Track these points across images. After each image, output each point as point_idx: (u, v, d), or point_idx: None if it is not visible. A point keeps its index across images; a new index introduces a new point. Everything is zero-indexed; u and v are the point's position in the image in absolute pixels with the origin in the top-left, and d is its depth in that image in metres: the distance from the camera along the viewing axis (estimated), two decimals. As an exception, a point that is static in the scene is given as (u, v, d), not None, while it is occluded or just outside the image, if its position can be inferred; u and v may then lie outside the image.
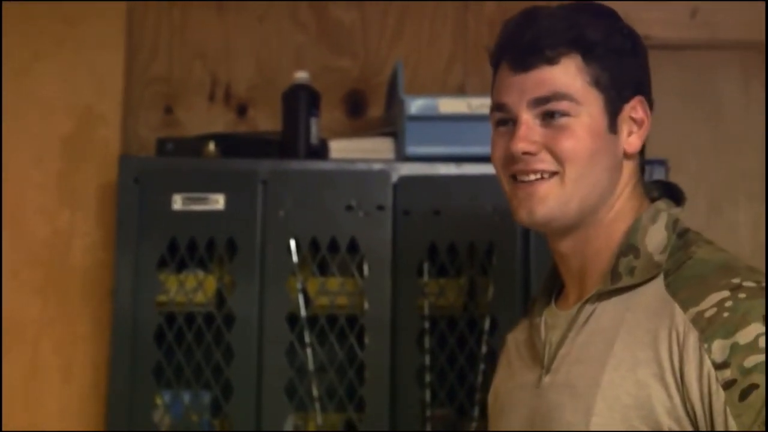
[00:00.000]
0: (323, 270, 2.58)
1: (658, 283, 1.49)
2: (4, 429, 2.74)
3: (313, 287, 2.57)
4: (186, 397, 2.58)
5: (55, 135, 2.90)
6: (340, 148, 2.71)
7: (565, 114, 1.52)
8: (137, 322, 2.55)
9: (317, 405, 2.55)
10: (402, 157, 2.61)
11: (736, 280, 1.43)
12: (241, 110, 3.08)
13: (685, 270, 1.48)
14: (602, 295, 1.54)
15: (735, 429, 1.35)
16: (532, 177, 1.53)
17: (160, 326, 2.56)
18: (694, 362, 1.39)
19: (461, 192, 2.55)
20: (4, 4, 2.91)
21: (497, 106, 1.58)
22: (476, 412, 2.50)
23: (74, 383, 2.80)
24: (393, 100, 2.76)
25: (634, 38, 1.59)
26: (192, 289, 2.59)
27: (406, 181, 2.56)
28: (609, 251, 1.56)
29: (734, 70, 3.11)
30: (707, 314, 1.40)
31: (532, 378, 1.59)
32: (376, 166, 2.60)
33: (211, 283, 2.59)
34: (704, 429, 1.38)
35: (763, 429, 1.33)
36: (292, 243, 2.54)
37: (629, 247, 1.53)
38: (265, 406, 2.51)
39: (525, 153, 1.52)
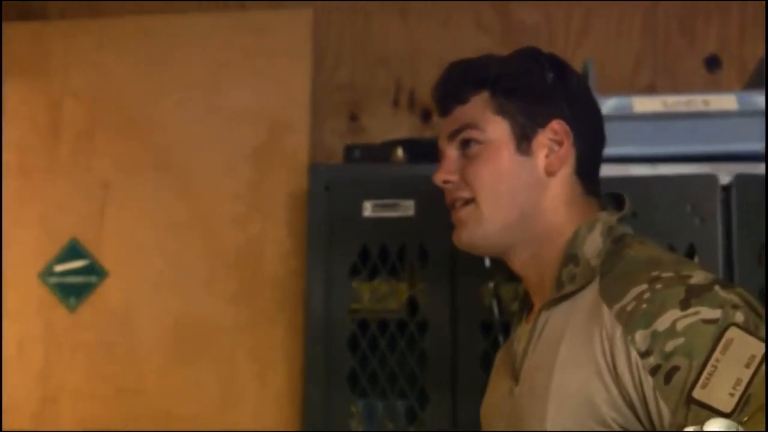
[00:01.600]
0: (515, 276, 2.53)
1: (594, 286, 1.58)
2: (203, 430, 2.79)
3: (508, 293, 2.53)
4: (380, 405, 2.58)
5: (246, 144, 2.94)
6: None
7: (475, 141, 1.67)
8: (331, 330, 2.56)
9: (512, 412, 2.51)
10: (594, 158, 2.54)
11: (655, 273, 1.51)
12: (426, 115, 3.07)
13: (615, 270, 1.57)
14: (550, 304, 1.63)
15: (665, 411, 1.42)
16: (457, 205, 1.69)
17: (354, 333, 2.56)
18: (623, 355, 1.47)
19: (659, 193, 2.47)
20: (195, 17, 2.97)
21: (439, 150, 1.74)
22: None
23: (269, 389, 2.84)
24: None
25: (558, 71, 1.71)
26: (384, 296, 2.58)
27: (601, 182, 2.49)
28: (557, 263, 1.65)
29: None
30: (628, 308, 1.49)
31: (507, 389, 1.68)
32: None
33: (403, 290, 2.58)
34: (642, 415, 1.46)
35: (687, 407, 1.40)
36: (484, 248, 2.51)
37: (570, 256, 1.63)
38: (461, 414, 2.48)
39: (445, 182, 1.69)
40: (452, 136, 1.70)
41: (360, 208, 2.58)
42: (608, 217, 1.67)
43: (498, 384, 1.77)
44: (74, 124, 3.08)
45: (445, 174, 1.69)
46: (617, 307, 1.51)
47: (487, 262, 2.51)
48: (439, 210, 2.50)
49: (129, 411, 2.91)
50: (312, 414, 2.55)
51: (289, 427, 2.79)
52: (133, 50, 3.07)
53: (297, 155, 2.91)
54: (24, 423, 2.96)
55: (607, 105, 2.53)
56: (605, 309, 1.52)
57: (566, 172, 1.69)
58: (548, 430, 1.53)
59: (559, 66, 1.73)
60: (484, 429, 1.80)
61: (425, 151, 2.72)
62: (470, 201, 1.66)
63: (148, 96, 3.03)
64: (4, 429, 2.94)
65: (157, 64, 3.04)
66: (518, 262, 1.71)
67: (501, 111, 1.67)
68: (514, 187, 1.66)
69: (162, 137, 3.01)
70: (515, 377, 1.66)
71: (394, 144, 2.73)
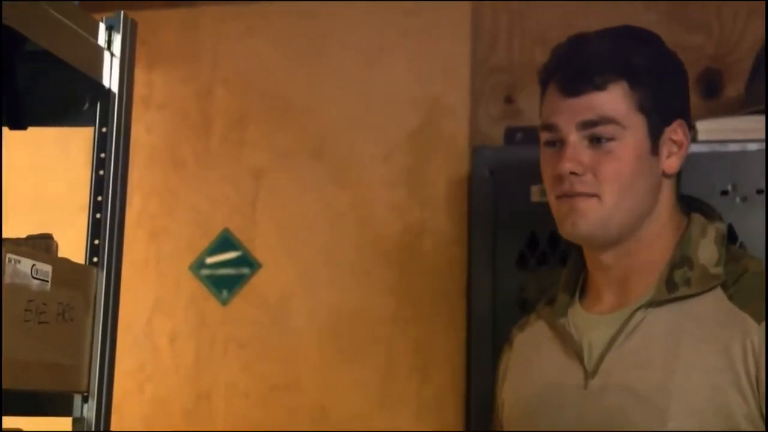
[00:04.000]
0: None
1: (717, 294, 1.59)
2: (362, 429, 2.68)
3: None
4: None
5: (403, 128, 2.83)
6: (707, 129, 2.48)
7: (611, 138, 1.62)
8: (497, 322, 2.43)
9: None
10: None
11: None
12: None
13: (745, 283, 1.59)
14: (657, 303, 1.61)
15: None
16: (576, 196, 1.63)
17: (522, 325, 2.42)
18: None
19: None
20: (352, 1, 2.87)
21: (546, 126, 1.68)
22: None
23: (430, 386, 2.72)
24: (758, 76, 2.51)
25: (676, 63, 1.70)
26: (554, 285, 2.43)
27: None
28: (656, 263, 1.65)
29: None
30: None
31: (573, 380, 1.65)
32: (752, 147, 2.36)
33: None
34: None
35: None
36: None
37: (683, 258, 1.63)
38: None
39: (571, 173, 1.62)
40: (585, 126, 1.63)
41: (527, 193, 2.44)
42: (719, 224, 1.69)
43: (543, 371, 1.73)
44: (225, 113, 3.00)
45: (575, 165, 1.63)
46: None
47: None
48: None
49: (284, 408, 2.81)
50: (477, 409, 2.46)
51: (453, 427, 2.66)
52: (285, 34, 2.97)
53: (456, 139, 2.78)
54: (176, 420, 2.88)
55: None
56: (751, 322, 1.53)
57: (675, 174, 1.70)
58: (670, 430, 1.53)
59: (676, 57, 1.72)
60: (517, 416, 1.77)
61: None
62: (593, 196, 1.62)
63: (301, 81, 2.93)
64: (155, 426, 2.87)
65: (311, 48, 2.94)
66: (610, 257, 1.68)
67: (641, 107, 1.63)
68: (641, 189, 1.64)
69: (316, 124, 2.91)
70: (587, 369, 1.64)
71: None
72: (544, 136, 1.69)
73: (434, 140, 2.80)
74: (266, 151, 2.94)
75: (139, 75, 3.01)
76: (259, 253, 2.91)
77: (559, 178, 1.64)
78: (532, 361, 1.78)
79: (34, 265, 1.39)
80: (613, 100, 1.62)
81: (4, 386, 1.34)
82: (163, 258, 2.98)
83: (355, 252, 2.79)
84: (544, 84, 1.72)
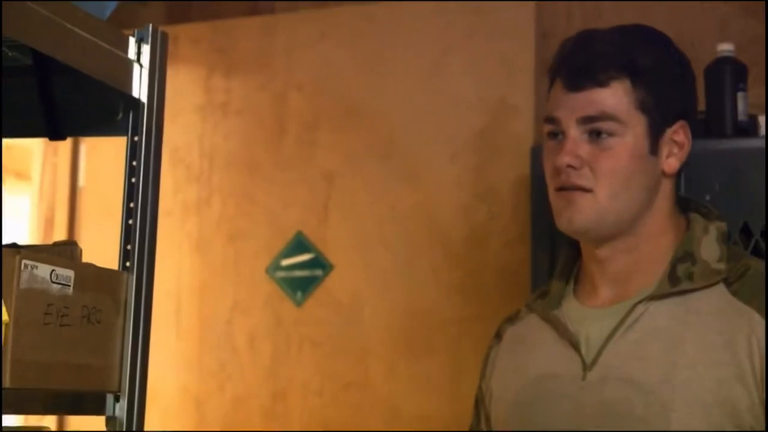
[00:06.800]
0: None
1: (720, 290, 1.60)
2: (431, 428, 2.72)
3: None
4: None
5: (468, 129, 2.85)
6: (771, 124, 2.45)
7: (610, 134, 1.63)
8: (557, 320, 2.42)
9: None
10: None
11: None
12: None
13: (748, 280, 1.60)
14: (659, 297, 1.62)
15: None
16: (571, 189, 1.64)
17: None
18: None
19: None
20: (416, 2, 2.90)
21: (549, 119, 1.70)
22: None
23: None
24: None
25: (683, 65, 1.71)
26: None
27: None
28: (657, 260, 1.66)
29: None
30: None
31: (570, 371, 1.64)
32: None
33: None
34: None
35: None
36: (720, 230, 2.32)
37: (686, 254, 1.64)
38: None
39: (569, 166, 1.63)
40: (585, 121, 1.64)
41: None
42: (720, 223, 1.69)
43: (536, 362, 1.73)
44: (299, 117, 3.06)
45: (572, 158, 1.64)
46: None
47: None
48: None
49: (356, 407, 2.86)
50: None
51: (519, 425, 2.66)
52: (355, 39, 3.02)
53: (521, 139, 2.78)
54: (254, 418, 2.95)
55: None
56: (757, 317, 1.55)
57: (675, 174, 1.70)
58: (674, 424, 1.53)
59: (684, 59, 1.72)
60: (509, 408, 1.76)
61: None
62: (589, 190, 1.64)
63: (370, 84, 2.98)
64: (235, 424, 2.95)
65: (379, 51, 2.99)
66: (606, 252, 1.68)
67: (642, 106, 1.64)
68: (637, 187, 1.65)
69: (385, 126, 2.95)
70: (586, 361, 1.63)
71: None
72: (547, 128, 1.72)
73: (499, 140, 2.81)
74: (337, 154, 2.99)
75: (218, 82, 3.12)
76: (331, 255, 2.96)
77: (558, 171, 1.66)
78: (524, 352, 1.78)
79: (53, 270, 1.45)
80: (614, 97, 1.64)
81: (29, 386, 1.41)
82: (241, 260, 3.06)
83: (424, 252, 2.82)
84: (551, 78, 1.74)
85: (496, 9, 2.86)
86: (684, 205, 1.74)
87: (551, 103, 1.72)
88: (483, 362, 1.92)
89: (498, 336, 1.89)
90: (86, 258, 1.66)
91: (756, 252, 2.28)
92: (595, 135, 1.64)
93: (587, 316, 1.69)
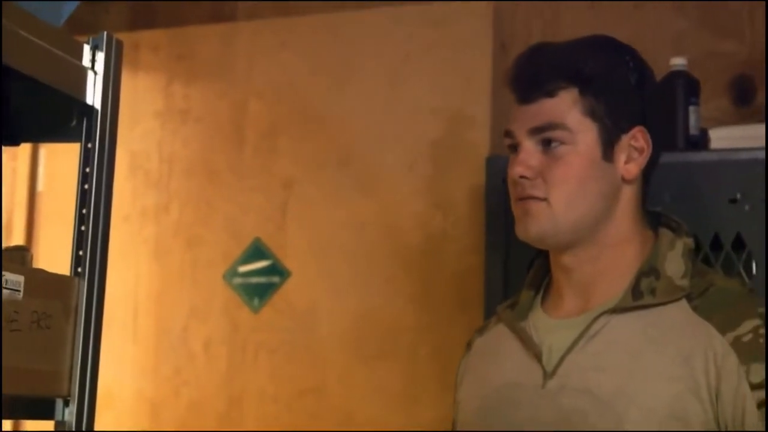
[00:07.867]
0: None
1: (682, 305, 1.62)
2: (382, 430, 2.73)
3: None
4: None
5: (426, 138, 2.87)
6: (721, 137, 2.48)
7: (561, 143, 1.66)
8: (510, 329, 2.45)
9: None
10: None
11: (761, 310, 1.59)
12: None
13: (710, 296, 1.62)
14: (621, 310, 1.64)
15: None
16: (528, 199, 1.68)
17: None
18: (732, 382, 1.53)
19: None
20: (375, 12, 2.92)
21: (506, 132, 1.75)
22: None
23: (452, 389, 2.74)
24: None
25: (641, 72, 1.73)
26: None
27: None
28: (621, 271, 1.68)
29: None
30: (744, 339, 1.55)
31: (531, 380, 1.67)
32: (762, 155, 2.34)
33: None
34: None
35: None
36: (671, 241, 2.35)
37: (651, 268, 1.66)
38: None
39: (522, 177, 1.67)
40: (535, 131, 1.68)
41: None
42: (688, 239, 1.72)
43: (500, 371, 1.75)
44: (258, 125, 3.08)
45: (524, 169, 1.68)
46: (731, 335, 1.56)
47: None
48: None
49: (312, 413, 2.88)
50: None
51: None
52: (316, 48, 3.04)
53: (477, 149, 2.80)
54: (210, 423, 2.96)
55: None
56: (715, 332, 1.57)
57: (638, 178, 1.72)
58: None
59: (641, 66, 1.74)
60: (472, 416, 1.78)
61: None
62: (543, 199, 1.66)
63: (329, 93, 3.00)
64: (190, 429, 2.95)
65: (339, 60, 3.00)
66: (570, 260, 1.71)
67: (591, 113, 1.67)
68: (593, 194, 1.67)
69: (343, 134, 2.97)
70: (546, 370, 1.65)
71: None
72: (506, 141, 1.77)
73: (456, 150, 2.83)
74: (296, 161, 3.01)
75: (178, 89, 3.12)
76: (288, 261, 2.98)
77: (513, 182, 1.71)
78: (491, 362, 1.80)
79: (3, 275, 1.47)
80: (562, 106, 1.67)
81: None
82: (199, 266, 3.07)
83: (380, 260, 2.84)
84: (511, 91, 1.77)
85: (455, 20, 2.88)
86: (654, 219, 1.77)
87: (509, 116, 1.76)
88: (455, 374, 1.95)
89: (468, 346, 1.92)
90: (44, 263, 1.67)
91: (707, 264, 2.32)
92: (547, 144, 1.68)
93: (552, 327, 1.72)
